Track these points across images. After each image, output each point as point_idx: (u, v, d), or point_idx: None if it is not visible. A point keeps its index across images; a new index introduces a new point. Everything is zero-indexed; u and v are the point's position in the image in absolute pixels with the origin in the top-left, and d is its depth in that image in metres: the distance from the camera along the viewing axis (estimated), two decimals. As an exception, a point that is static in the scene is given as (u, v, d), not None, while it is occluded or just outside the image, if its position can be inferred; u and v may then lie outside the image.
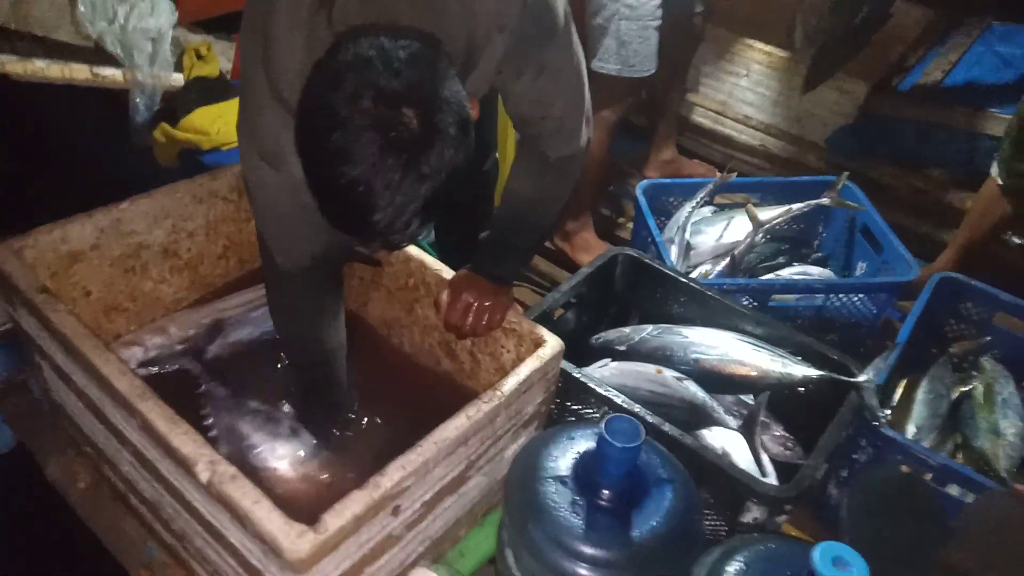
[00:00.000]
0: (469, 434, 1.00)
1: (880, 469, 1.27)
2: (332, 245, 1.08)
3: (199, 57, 2.08)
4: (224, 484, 0.87)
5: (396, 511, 0.93)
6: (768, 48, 2.25)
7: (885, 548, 1.06)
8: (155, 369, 1.32)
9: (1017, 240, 2.15)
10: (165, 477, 0.99)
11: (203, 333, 1.40)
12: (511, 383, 1.06)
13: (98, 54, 1.99)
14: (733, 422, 1.36)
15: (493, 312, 1.20)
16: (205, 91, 2.00)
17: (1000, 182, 1.82)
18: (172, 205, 1.38)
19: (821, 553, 0.81)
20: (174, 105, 2.01)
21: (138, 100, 2.02)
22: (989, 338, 1.62)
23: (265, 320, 1.36)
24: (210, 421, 1.23)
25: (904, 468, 1.22)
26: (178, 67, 2.10)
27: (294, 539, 0.81)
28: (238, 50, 2.18)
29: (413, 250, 1.33)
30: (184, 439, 0.92)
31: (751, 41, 2.25)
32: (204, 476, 0.89)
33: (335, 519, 0.84)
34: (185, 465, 0.91)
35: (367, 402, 1.32)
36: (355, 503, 0.86)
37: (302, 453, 1.21)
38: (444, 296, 1.22)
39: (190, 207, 1.41)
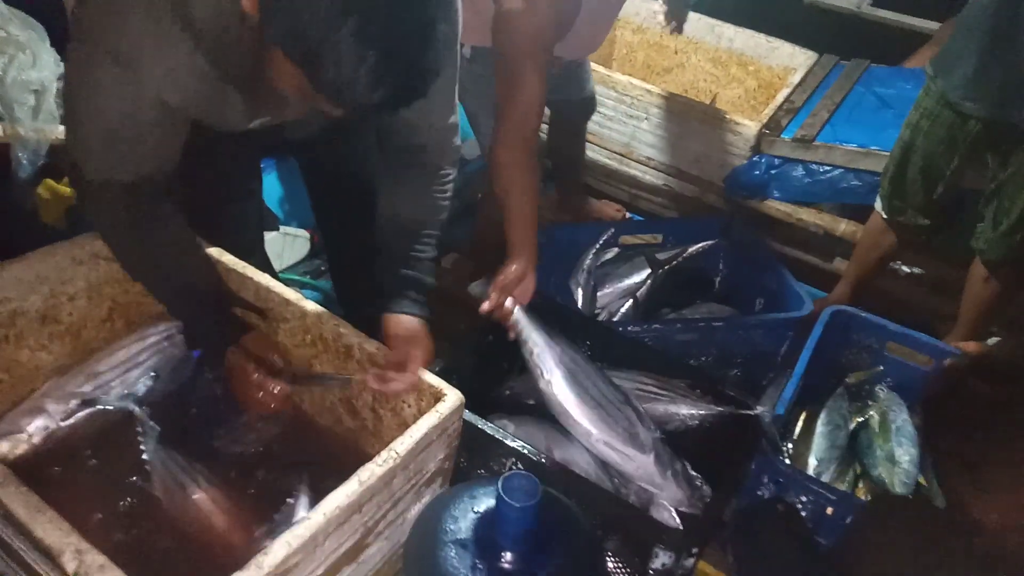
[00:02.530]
0: (363, 500, 0.96)
1: (759, 504, 1.30)
2: (164, 162, 1.06)
3: (88, 109, 1.99)
4: (92, 574, 0.81)
5: (285, 590, 0.88)
6: (665, 92, 2.34)
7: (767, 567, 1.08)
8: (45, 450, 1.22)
9: (906, 269, 2.28)
10: (32, 567, 0.91)
11: (88, 402, 1.31)
12: (407, 442, 1.03)
13: (-25, 108, 1.88)
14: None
15: (428, 357, 1.20)
16: (94, 144, 1.91)
17: (884, 216, 1.93)
18: (49, 269, 1.30)
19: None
20: (61, 160, 1.91)
21: (20, 155, 1.91)
22: (882, 368, 1.69)
23: (148, 378, 1.31)
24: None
25: (779, 506, 1.26)
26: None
27: (166, 633, 0.76)
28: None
29: (310, 306, 1.30)
30: (48, 527, 0.85)
31: (648, 86, 2.33)
32: (71, 567, 0.82)
33: (213, 606, 0.79)
34: (50, 555, 0.84)
35: (267, 465, 1.26)
36: (236, 587, 0.81)
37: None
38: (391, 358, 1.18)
39: (69, 270, 1.33)
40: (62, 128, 2.00)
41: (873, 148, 2.15)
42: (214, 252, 1.34)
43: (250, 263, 1.36)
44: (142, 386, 1.32)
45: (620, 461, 1.28)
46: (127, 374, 1.35)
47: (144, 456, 1.20)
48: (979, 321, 1.87)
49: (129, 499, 1.17)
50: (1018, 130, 1.60)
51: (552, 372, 1.34)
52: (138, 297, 1.44)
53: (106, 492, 1.19)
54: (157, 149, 1.06)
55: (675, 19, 2.22)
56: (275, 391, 1.20)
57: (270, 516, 1.12)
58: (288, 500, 1.15)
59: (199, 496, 1.14)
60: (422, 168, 1.25)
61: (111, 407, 1.27)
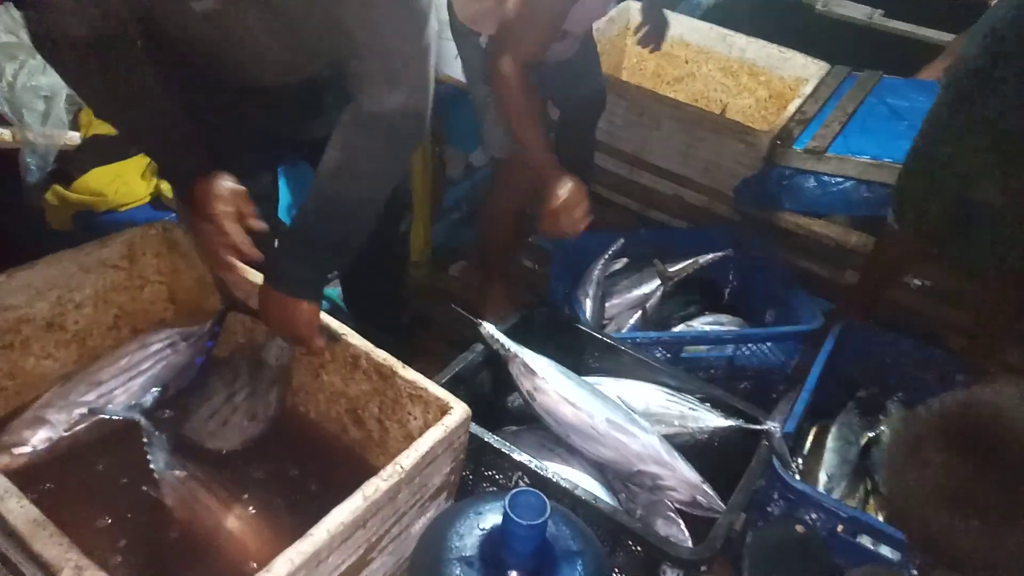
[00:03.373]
0: (367, 516, 0.95)
1: (777, 526, 1.28)
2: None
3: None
4: (91, 593, 0.80)
5: (288, 607, 0.87)
6: (675, 102, 2.32)
7: None
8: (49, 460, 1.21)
9: (917, 282, 2.25)
10: (31, 582, 0.90)
11: (91, 412, 1.31)
12: (412, 456, 1.01)
13: (-16, 114, 1.89)
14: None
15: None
16: (103, 150, 1.91)
17: (896, 227, 1.91)
18: (56, 276, 1.30)
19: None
20: (69, 165, 1.91)
21: (29, 160, 1.91)
22: (892, 382, 1.67)
23: (151, 384, 1.30)
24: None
25: (799, 528, 1.23)
26: (74, 125, 2.00)
27: (166, 651, 0.74)
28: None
29: (322, 315, 1.29)
30: (48, 543, 0.84)
31: (660, 94, 2.31)
32: (69, 584, 0.81)
33: (215, 624, 0.78)
34: (49, 571, 0.83)
35: (273, 474, 1.25)
36: (238, 604, 0.80)
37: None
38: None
39: (77, 277, 1.33)
40: (71, 134, 2.01)
41: (886, 160, 2.12)
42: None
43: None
44: (147, 395, 1.32)
45: (626, 441, 1.27)
46: (130, 382, 1.34)
47: (151, 466, 1.19)
48: (997, 335, 1.85)
49: (135, 509, 1.16)
50: None
51: (546, 371, 1.35)
52: (145, 304, 1.44)
53: (111, 503, 1.18)
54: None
55: (653, 39, 2.19)
56: (236, 237, 1.10)
57: (277, 524, 1.11)
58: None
59: (208, 505, 1.13)
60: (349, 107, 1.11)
61: (115, 417, 1.26)
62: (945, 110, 1.71)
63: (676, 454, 1.30)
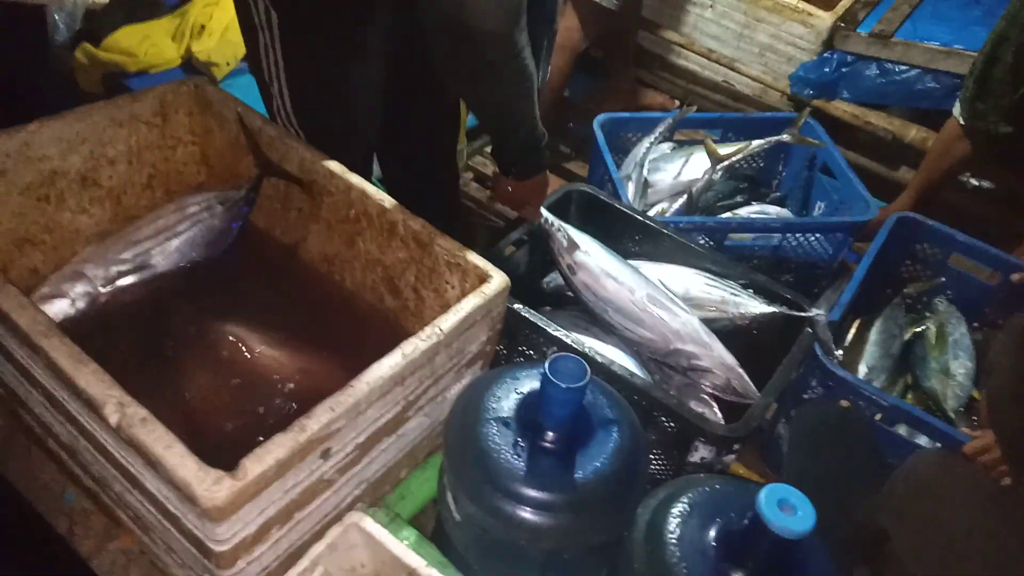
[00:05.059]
0: (405, 373, 0.94)
1: (820, 404, 1.26)
2: None
3: (125, -29, 1.91)
4: (134, 427, 0.80)
5: (326, 454, 0.88)
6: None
7: (823, 482, 1.06)
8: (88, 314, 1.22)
9: (975, 182, 2.15)
10: (76, 419, 0.92)
11: (128, 269, 1.31)
12: (451, 320, 1.00)
13: (10, -34, 1.81)
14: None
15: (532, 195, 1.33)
16: (131, 9, 1.84)
17: (962, 122, 1.80)
18: (88, 129, 1.26)
19: (767, 496, 0.78)
20: (97, 24, 1.85)
21: (57, 18, 1.85)
22: (944, 279, 1.61)
23: (188, 247, 1.28)
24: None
25: (844, 403, 1.21)
26: (102, -18, 1.93)
27: (209, 486, 0.75)
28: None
29: (355, 179, 1.25)
30: (91, 379, 0.84)
31: (717, -30, 2.16)
32: (113, 419, 0.82)
33: (256, 465, 0.78)
34: (93, 406, 0.84)
35: (307, 343, 1.25)
36: (278, 447, 0.80)
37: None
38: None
39: (109, 131, 1.29)
40: (98, -9, 1.94)
41: (956, 47, 1.98)
42: (258, 120, 1.29)
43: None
44: (181, 255, 1.31)
45: (666, 318, 1.25)
46: (167, 243, 1.33)
47: (188, 322, 1.19)
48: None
49: (177, 359, 1.17)
50: None
51: (589, 245, 1.33)
52: (178, 166, 1.41)
53: (151, 354, 1.19)
54: None
55: None
56: None
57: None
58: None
59: (254, 348, 1.14)
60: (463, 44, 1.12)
61: (152, 274, 1.26)
62: None
63: (714, 336, 1.28)
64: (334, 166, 1.25)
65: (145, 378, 1.15)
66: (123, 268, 1.28)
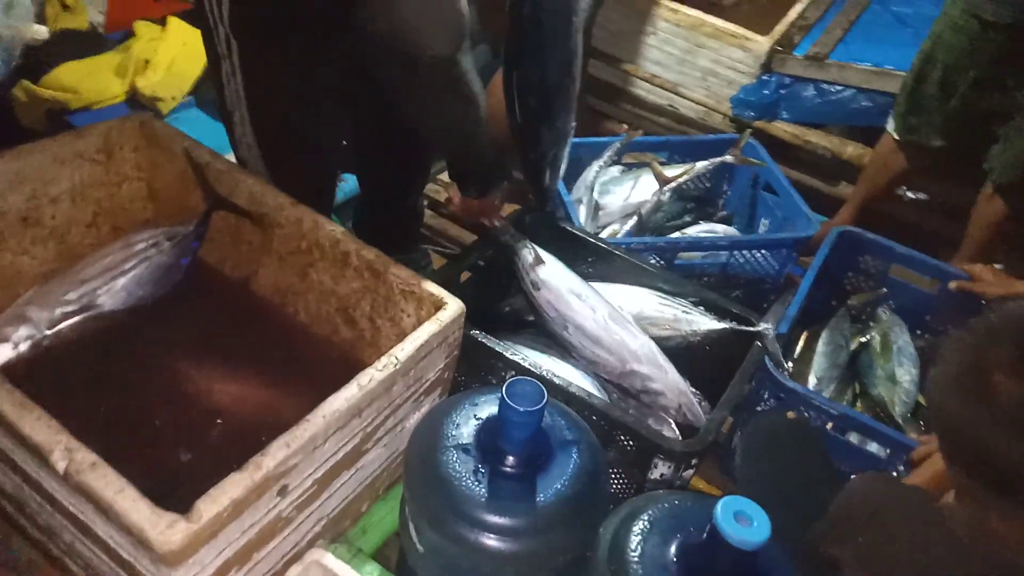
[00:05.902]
0: (363, 405, 0.94)
1: (769, 415, 1.29)
2: None
3: (65, 7, 1.88)
4: (83, 473, 0.78)
5: (284, 491, 0.87)
6: (674, 6, 2.23)
7: (774, 493, 1.07)
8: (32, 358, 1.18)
9: (911, 195, 2.23)
10: (22, 468, 0.89)
11: (74, 310, 1.27)
12: (408, 349, 1.00)
13: (-56, 3, 1.77)
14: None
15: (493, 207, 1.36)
16: (73, 45, 1.82)
17: (896, 137, 1.88)
18: (29, 168, 1.24)
19: (723, 508, 0.80)
20: (36, 60, 1.81)
21: (-6, 54, 1.81)
22: (885, 290, 1.67)
23: (135, 285, 1.25)
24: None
25: (790, 414, 1.24)
26: (41, 19, 1.89)
27: (163, 530, 0.74)
28: (112, 3, 1.99)
29: (305, 211, 1.25)
30: (36, 425, 0.82)
31: (659, -1, 2.23)
32: (61, 465, 0.80)
33: (210, 506, 0.77)
34: (39, 454, 0.81)
35: (262, 378, 1.23)
36: (234, 487, 0.79)
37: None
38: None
39: (51, 170, 1.27)
40: (37, 27, 1.90)
41: (888, 68, 2.07)
42: (206, 154, 1.28)
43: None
44: (128, 293, 1.28)
45: (626, 338, 1.27)
46: (114, 282, 1.31)
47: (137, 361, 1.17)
48: (984, 245, 1.85)
49: (123, 400, 1.15)
50: None
51: (554, 262, 1.36)
52: (124, 202, 1.39)
53: (97, 396, 1.16)
54: None
55: None
56: None
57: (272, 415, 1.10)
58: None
59: (201, 391, 1.12)
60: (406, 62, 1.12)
61: (99, 314, 1.23)
62: (955, 8, 1.66)
63: (669, 361, 1.30)
64: (284, 198, 1.25)
65: (95, 421, 1.12)
66: (68, 309, 1.25)
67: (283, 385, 1.23)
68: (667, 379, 1.28)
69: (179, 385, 1.19)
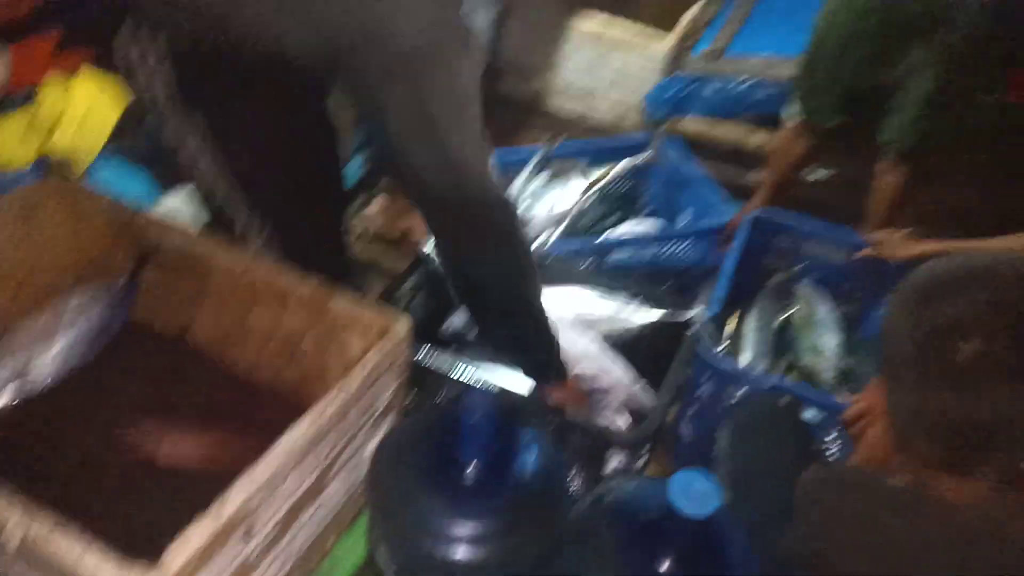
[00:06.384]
0: (318, 437, 0.95)
1: (754, 402, 1.32)
2: None
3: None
4: (46, 537, 0.77)
5: (248, 534, 0.87)
6: (580, 16, 2.32)
7: (759, 475, 1.10)
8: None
9: (812, 177, 2.36)
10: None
11: (4, 383, 1.24)
12: (357, 377, 1.01)
13: None
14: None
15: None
16: (-29, 111, 1.76)
17: (797, 120, 1.99)
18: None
19: (675, 483, 0.84)
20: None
21: None
22: (802, 265, 1.77)
23: (68, 351, 1.24)
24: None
25: (783, 399, 1.25)
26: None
27: (131, 585, 0.74)
28: (15, 60, 1.93)
29: (239, 254, 1.25)
30: (-14, 502, 0.80)
31: (554, 11, 2.31)
32: (14, 541, 0.78)
33: (178, 555, 0.77)
34: (-6, 530, 0.80)
35: (210, 428, 1.22)
36: (199, 534, 0.79)
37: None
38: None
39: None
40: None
41: (783, 55, 2.19)
42: (129, 208, 1.27)
43: None
44: (63, 360, 1.26)
45: (568, 343, 1.29)
46: (46, 351, 1.28)
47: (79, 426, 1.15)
48: (887, 214, 1.97)
49: (72, 470, 1.12)
50: (914, 21, 1.66)
51: None
52: (48, 267, 1.36)
53: (45, 470, 1.13)
54: None
55: None
56: None
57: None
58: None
59: (154, 445, 1.10)
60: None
61: (33, 384, 1.21)
62: None
63: (615, 357, 1.34)
64: (216, 244, 1.24)
65: (42, 494, 1.09)
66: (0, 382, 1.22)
67: (233, 432, 1.22)
68: (612, 377, 1.33)
69: (125, 445, 1.17)
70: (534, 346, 1.20)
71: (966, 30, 1.60)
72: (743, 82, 2.22)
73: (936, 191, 2.11)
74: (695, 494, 0.83)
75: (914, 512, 0.80)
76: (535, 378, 1.24)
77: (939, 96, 1.71)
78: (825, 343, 1.56)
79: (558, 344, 1.21)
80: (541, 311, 1.17)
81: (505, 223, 1.12)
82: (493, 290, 1.15)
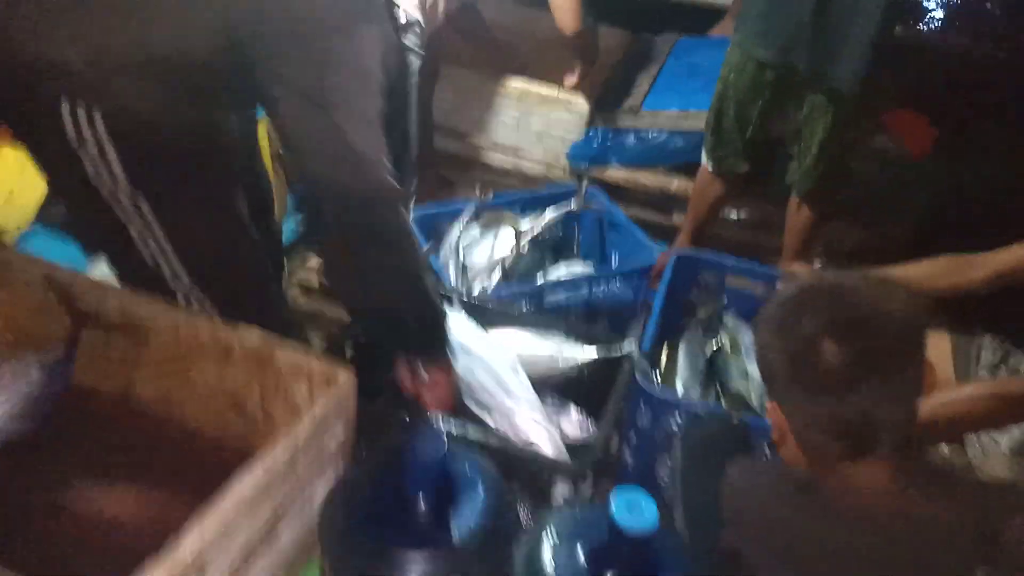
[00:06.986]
0: (270, 486, 0.97)
1: (706, 423, 1.37)
2: None
3: None
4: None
5: (203, 582, 0.88)
6: (499, 78, 2.45)
7: (711, 493, 1.16)
8: None
9: (733, 215, 2.53)
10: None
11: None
12: (306, 424, 1.04)
13: None
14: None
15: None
16: None
17: (709, 168, 2.15)
18: None
19: (616, 501, 0.89)
20: None
21: None
22: (726, 299, 1.88)
23: (5, 422, 1.21)
24: None
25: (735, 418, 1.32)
26: None
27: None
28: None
29: (180, 313, 1.26)
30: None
31: (481, 75, 2.45)
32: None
33: (132, 606, 0.77)
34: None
35: (158, 489, 1.21)
36: (154, 584, 0.80)
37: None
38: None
39: None
40: None
41: (691, 110, 2.37)
42: (66, 275, 1.28)
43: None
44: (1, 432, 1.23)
45: (506, 400, 1.35)
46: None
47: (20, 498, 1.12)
48: (799, 248, 2.13)
49: (15, 545, 1.09)
50: (804, 75, 1.84)
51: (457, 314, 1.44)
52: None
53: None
54: None
55: None
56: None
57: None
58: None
59: (101, 512, 1.09)
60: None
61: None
62: (735, 54, 1.95)
63: (526, 383, 1.40)
64: (156, 305, 1.26)
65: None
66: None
67: (179, 488, 1.21)
68: (545, 437, 1.35)
69: (70, 518, 1.15)
70: (416, 318, 1.26)
71: (847, 79, 1.78)
72: (660, 134, 2.38)
73: (839, 228, 2.31)
74: (636, 510, 0.89)
75: (815, 497, 0.91)
76: (408, 348, 1.29)
77: (828, 144, 1.90)
78: (753, 369, 1.66)
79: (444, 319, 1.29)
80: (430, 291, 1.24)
81: (401, 217, 1.18)
82: (391, 295, 1.22)
